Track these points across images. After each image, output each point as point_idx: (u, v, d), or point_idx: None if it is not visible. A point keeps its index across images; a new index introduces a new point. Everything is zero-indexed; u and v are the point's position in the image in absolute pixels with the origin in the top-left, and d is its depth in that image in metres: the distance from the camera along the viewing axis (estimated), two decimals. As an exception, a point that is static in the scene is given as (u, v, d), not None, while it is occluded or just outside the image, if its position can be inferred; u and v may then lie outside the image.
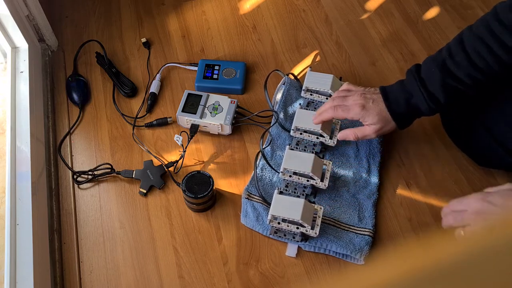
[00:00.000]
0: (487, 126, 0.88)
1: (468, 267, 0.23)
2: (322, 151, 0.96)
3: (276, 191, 0.87)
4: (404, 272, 0.22)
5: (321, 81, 0.99)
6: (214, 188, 0.90)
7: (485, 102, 0.89)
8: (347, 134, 0.90)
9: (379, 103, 0.85)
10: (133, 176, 0.96)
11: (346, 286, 0.24)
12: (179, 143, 0.99)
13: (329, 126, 0.95)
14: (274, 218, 0.85)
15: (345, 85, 0.92)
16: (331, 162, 0.92)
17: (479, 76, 0.79)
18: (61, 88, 1.12)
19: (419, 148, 0.99)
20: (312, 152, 0.94)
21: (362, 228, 0.88)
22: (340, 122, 0.97)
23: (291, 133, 0.96)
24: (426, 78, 0.82)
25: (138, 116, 1.06)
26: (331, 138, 0.94)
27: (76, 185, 0.98)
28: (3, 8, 1.00)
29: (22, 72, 1.07)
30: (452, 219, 0.71)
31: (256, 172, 0.94)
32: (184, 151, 0.98)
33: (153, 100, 1.08)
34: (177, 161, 0.97)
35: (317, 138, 0.95)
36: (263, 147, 0.98)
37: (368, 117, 0.85)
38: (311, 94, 1.01)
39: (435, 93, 0.81)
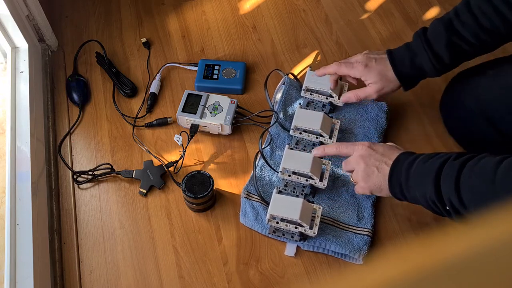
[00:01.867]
0: (489, 115, 0.88)
1: (468, 267, 0.23)
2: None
3: (275, 190, 0.87)
4: (404, 272, 0.22)
5: (321, 81, 0.99)
6: (214, 188, 0.90)
7: (485, 89, 0.89)
8: (349, 96, 0.93)
9: (381, 62, 0.88)
10: (133, 176, 0.96)
11: (346, 286, 0.24)
12: (179, 143, 0.99)
13: (329, 126, 0.95)
14: (273, 217, 0.85)
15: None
16: (330, 162, 0.92)
17: (484, 36, 0.81)
18: (61, 88, 1.12)
19: (418, 148, 0.99)
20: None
21: (361, 228, 0.88)
22: (339, 122, 0.97)
23: (291, 132, 0.96)
24: (431, 38, 0.84)
25: (138, 116, 1.06)
26: (330, 137, 0.94)
27: (76, 185, 0.98)
28: (3, 8, 1.00)
29: (22, 72, 1.07)
30: (346, 166, 0.83)
31: (255, 171, 0.94)
32: (184, 151, 0.98)
33: (153, 100, 1.08)
34: (177, 161, 0.97)
35: (317, 137, 0.95)
36: (263, 146, 0.98)
37: (370, 75, 0.87)
38: (311, 94, 1.01)
39: (440, 52, 0.83)
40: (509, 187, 0.62)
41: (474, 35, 0.81)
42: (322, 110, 1.00)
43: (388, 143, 0.83)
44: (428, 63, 0.84)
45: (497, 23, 0.79)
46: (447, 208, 0.68)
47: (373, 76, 0.88)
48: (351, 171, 0.83)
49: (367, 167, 0.78)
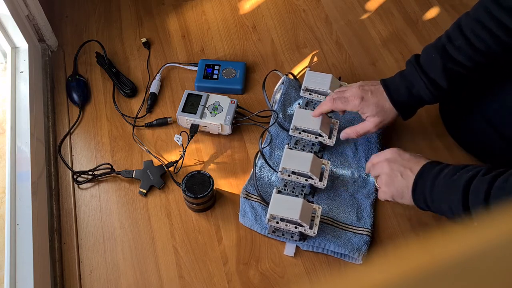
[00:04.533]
0: (488, 118, 0.88)
1: (468, 267, 0.23)
2: (321, 150, 0.96)
3: (274, 190, 0.87)
4: (404, 272, 0.22)
5: (320, 81, 1.00)
6: (214, 188, 0.90)
7: (485, 94, 0.89)
8: (349, 133, 0.91)
9: (377, 94, 0.86)
10: (133, 176, 0.96)
11: (346, 286, 0.24)
12: (179, 143, 0.99)
13: (328, 126, 0.96)
14: (273, 217, 0.85)
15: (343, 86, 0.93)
16: (329, 162, 0.92)
17: (480, 58, 0.80)
18: (61, 88, 1.12)
19: (418, 148, 0.99)
20: (311, 152, 0.94)
21: (360, 227, 0.88)
22: (339, 122, 0.97)
23: (290, 132, 0.96)
24: (426, 66, 0.83)
25: (138, 116, 1.06)
26: (329, 137, 0.94)
27: (76, 185, 0.98)
28: (3, 8, 1.00)
29: (22, 72, 1.07)
30: (372, 170, 0.83)
31: (255, 171, 0.94)
32: (184, 151, 0.98)
33: (153, 100, 1.08)
34: (177, 161, 0.97)
35: (316, 137, 0.95)
36: (263, 146, 0.98)
37: (367, 108, 0.86)
38: (310, 94, 1.01)
39: (437, 79, 0.82)
40: None
41: (470, 59, 0.80)
42: (322, 110, 1.00)
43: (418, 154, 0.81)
44: (426, 91, 0.83)
45: (491, 45, 0.78)
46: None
47: (371, 109, 0.85)
48: (376, 177, 0.82)
49: (391, 172, 0.78)
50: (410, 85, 0.84)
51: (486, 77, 0.89)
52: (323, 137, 0.94)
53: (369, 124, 0.87)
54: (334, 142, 0.94)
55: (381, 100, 0.85)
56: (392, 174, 0.78)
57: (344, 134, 0.92)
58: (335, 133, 0.95)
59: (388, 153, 0.80)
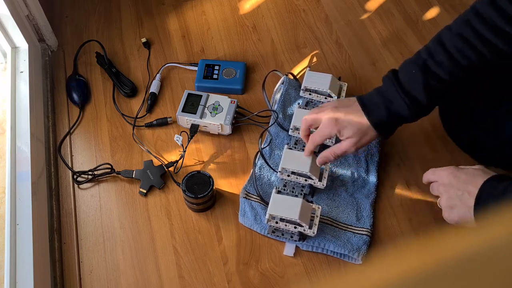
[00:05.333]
0: (488, 122, 0.88)
1: (468, 267, 0.23)
2: (321, 150, 0.96)
3: (274, 190, 0.87)
4: (404, 272, 0.22)
5: (320, 81, 1.00)
6: (214, 188, 0.90)
7: (485, 99, 0.89)
8: (326, 156, 0.86)
9: (352, 114, 0.81)
10: (133, 176, 0.96)
11: (345, 286, 0.24)
12: (179, 143, 0.99)
13: None
14: (272, 217, 0.85)
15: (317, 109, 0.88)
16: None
17: (462, 74, 0.77)
18: (61, 88, 1.12)
19: (418, 148, 0.99)
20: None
21: (360, 227, 0.88)
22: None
23: (290, 132, 0.96)
24: (406, 82, 0.79)
25: (138, 116, 1.06)
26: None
27: (76, 185, 0.98)
28: (3, 8, 1.00)
29: (22, 72, 1.07)
30: (431, 189, 0.80)
31: (255, 171, 0.94)
32: (184, 151, 0.98)
33: (153, 100, 1.08)
34: (177, 161, 0.97)
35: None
36: (262, 146, 0.98)
37: (344, 131, 0.81)
38: (310, 94, 1.01)
39: (418, 96, 0.78)
40: None
41: (452, 75, 0.76)
42: (322, 110, 1.00)
43: (475, 166, 0.77)
44: (405, 109, 0.78)
45: (475, 60, 0.75)
46: None
47: (347, 131, 0.81)
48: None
49: (449, 199, 0.75)
50: (389, 103, 0.80)
51: (486, 81, 0.88)
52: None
53: (345, 144, 0.82)
54: (333, 142, 0.94)
55: (357, 120, 0.81)
56: (450, 201, 0.75)
57: (321, 159, 0.87)
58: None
59: (444, 176, 0.76)
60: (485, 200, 0.70)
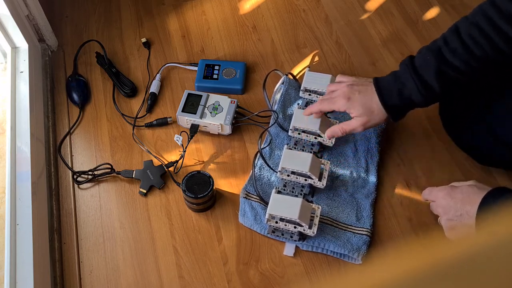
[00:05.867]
0: (489, 123, 0.88)
1: (468, 267, 0.23)
2: (320, 150, 0.96)
3: (274, 190, 0.87)
4: (404, 272, 0.22)
5: (319, 81, 1.00)
6: (214, 188, 0.90)
7: (487, 99, 0.89)
8: (335, 130, 0.89)
9: (366, 94, 0.83)
10: (133, 176, 0.96)
11: (345, 286, 0.24)
12: (179, 143, 0.99)
13: (327, 126, 0.95)
14: (272, 217, 0.85)
15: (338, 77, 0.92)
16: (329, 162, 0.92)
17: (475, 63, 0.77)
18: (61, 88, 1.12)
19: (418, 148, 0.99)
20: (310, 152, 0.94)
21: (360, 227, 0.88)
22: (338, 122, 0.97)
23: (289, 133, 0.96)
24: (420, 67, 0.80)
25: (138, 116, 1.06)
26: (329, 138, 0.94)
27: (76, 185, 0.98)
28: (3, 8, 1.00)
29: (22, 72, 1.07)
30: (430, 206, 0.82)
31: (254, 171, 0.94)
32: (184, 151, 0.98)
33: (153, 100, 1.08)
34: (177, 161, 0.97)
35: (315, 138, 0.95)
36: (262, 147, 0.98)
37: (354, 108, 0.84)
38: (309, 94, 1.01)
39: (429, 81, 0.79)
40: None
41: (464, 63, 0.77)
42: (322, 110, 1.00)
43: (469, 182, 0.79)
44: (417, 93, 0.80)
45: (488, 50, 0.76)
46: None
47: (357, 109, 0.83)
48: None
49: (449, 221, 0.76)
50: (402, 87, 0.82)
51: (487, 80, 0.88)
52: (322, 137, 0.94)
53: (355, 122, 0.85)
54: (333, 142, 0.94)
55: (368, 101, 0.83)
56: (450, 222, 0.76)
57: (330, 132, 0.90)
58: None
59: (440, 197, 0.78)
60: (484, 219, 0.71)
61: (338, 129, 0.89)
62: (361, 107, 0.83)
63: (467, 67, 0.78)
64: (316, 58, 1.15)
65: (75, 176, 0.98)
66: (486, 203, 0.72)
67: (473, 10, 0.79)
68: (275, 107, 1.03)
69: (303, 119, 0.95)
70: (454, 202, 0.76)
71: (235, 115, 1.01)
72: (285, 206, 0.84)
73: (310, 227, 0.84)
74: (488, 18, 0.75)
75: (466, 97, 0.91)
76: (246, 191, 0.93)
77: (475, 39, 0.76)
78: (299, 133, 0.95)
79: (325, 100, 0.88)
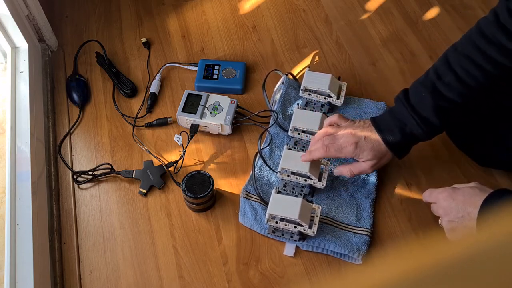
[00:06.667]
0: (490, 126, 0.88)
1: (468, 267, 0.23)
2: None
3: (274, 190, 0.87)
4: (404, 272, 0.22)
5: (319, 81, 1.00)
6: (214, 188, 0.90)
7: (488, 104, 0.89)
8: (342, 171, 0.89)
9: (371, 138, 0.83)
10: (133, 176, 0.96)
11: (346, 286, 0.24)
12: (179, 143, 0.99)
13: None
14: (272, 217, 0.85)
15: (334, 118, 0.90)
16: (329, 162, 0.92)
17: (470, 93, 0.78)
18: (61, 88, 1.12)
19: (419, 148, 0.99)
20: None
21: (360, 227, 0.88)
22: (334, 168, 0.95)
23: (289, 133, 0.96)
24: (417, 104, 0.80)
25: (138, 116, 1.06)
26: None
27: (76, 185, 0.98)
28: (3, 8, 1.00)
29: (22, 72, 1.07)
30: (431, 208, 0.81)
31: (254, 171, 0.94)
32: (184, 151, 0.98)
33: (153, 100, 1.08)
34: (177, 161, 0.97)
35: (317, 138, 0.95)
36: (262, 147, 0.98)
37: (362, 154, 0.83)
38: (309, 94, 1.01)
39: (429, 118, 0.80)
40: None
41: (460, 95, 0.78)
42: (321, 110, 1.00)
43: (470, 184, 0.78)
44: (419, 129, 0.81)
45: (482, 80, 0.76)
46: None
47: (367, 155, 0.83)
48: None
49: (450, 222, 0.76)
50: (403, 125, 0.82)
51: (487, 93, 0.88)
52: (323, 137, 0.94)
53: (365, 165, 0.85)
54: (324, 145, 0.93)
55: (376, 144, 0.83)
56: (451, 224, 0.76)
57: (337, 171, 0.90)
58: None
59: (441, 199, 0.78)
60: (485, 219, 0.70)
61: (346, 170, 0.88)
62: (371, 152, 0.83)
63: (463, 98, 0.78)
64: (316, 58, 1.15)
65: (75, 176, 0.98)
66: (488, 205, 0.71)
67: (460, 39, 0.79)
68: (275, 107, 1.03)
69: (303, 119, 0.95)
70: (456, 203, 0.75)
71: (235, 115, 1.01)
72: (285, 206, 0.84)
73: (310, 227, 0.84)
74: (476, 47, 0.75)
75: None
76: (246, 191, 0.93)
77: (467, 70, 0.76)
78: (299, 133, 0.95)
79: (331, 146, 0.85)
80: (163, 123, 1.04)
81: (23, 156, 0.95)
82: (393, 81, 1.10)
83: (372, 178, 0.93)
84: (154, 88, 1.09)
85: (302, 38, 1.18)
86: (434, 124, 0.80)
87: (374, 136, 0.83)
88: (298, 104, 1.02)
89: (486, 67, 0.75)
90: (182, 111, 1.01)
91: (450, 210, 0.76)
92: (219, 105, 1.01)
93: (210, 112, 1.00)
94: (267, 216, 0.84)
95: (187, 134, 1.00)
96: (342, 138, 0.84)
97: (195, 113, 1.00)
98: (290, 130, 0.95)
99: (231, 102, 1.01)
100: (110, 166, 0.97)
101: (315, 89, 1.00)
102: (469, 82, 0.77)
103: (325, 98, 1.00)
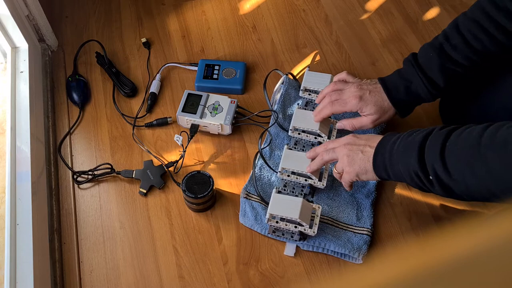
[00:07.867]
0: (490, 120, 0.88)
1: (468, 267, 0.23)
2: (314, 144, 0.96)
3: (274, 190, 0.87)
4: (404, 272, 0.22)
5: (319, 81, 0.99)
6: (214, 188, 0.90)
7: (485, 93, 0.89)
8: (344, 124, 0.92)
9: (376, 93, 0.87)
10: (133, 176, 0.96)
11: (346, 286, 0.24)
12: (179, 143, 0.99)
13: (327, 126, 0.95)
14: (272, 217, 0.85)
15: (343, 74, 0.94)
16: (329, 164, 0.92)
17: (476, 57, 0.81)
18: (61, 88, 1.12)
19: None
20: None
21: (360, 227, 0.88)
22: (337, 122, 0.97)
23: (289, 133, 0.96)
24: (424, 64, 0.84)
25: (138, 116, 1.06)
26: (329, 137, 0.94)
27: (76, 185, 0.98)
28: (3, 8, 1.00)
29: (22, 72, 1.07)
30: (326, 154, 0.83)
31: (255, 171, 0.94)
32: (184, 151, 0.98)
33: (153, 100, 1.08)
34: (177, 161, 0.97)
35: (315, 138, 0.95)
36: (262, 147, 0.98)
37: (366, 108, 0.87)
38: (309, 94, 1.01)
39: (434, 78, 0.83)
40: (494, 147, 0.61)
41: (466, 58, 0.81)
42: (322, 110, 1.00)
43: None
44: (424, 89, 0.84)
45: (488, 44, 0.79)
46: (430, 177, 0.67)
47: (370, 108, 0.86)
48: (334, 160, 0.84)
49: (352, 152, 0.79)
50: (408, 83, 0.85)
51: (486, 75, 0.89)
52: (322, 137, 0.94)
53: (366, 120, 0.88)
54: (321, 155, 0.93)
55: (379, 99, 0.87)
56: (352, 153, 0.79)
57: (340, 124, 0.93)
58: (334, 133, 0.95)
59: (345, 139, 0.82)
60: (384, 146, 0.76)
61: (348, 124, 0.91)
62: (374, 106, 0.86)
63: (469, 61, 0.81)
64: (316, 58, 1.15)
65: (75, 176, 0.98)
66: (384, 139, 0.76)
67: (471, 6, 0.82)
68: (275, 107, 1.03)
69: (303, 119, 0.95)
70: (359, 139, 0.80)
71: (235, 115, 1.01)
72: (286, 206, 0.84)
73: (310, 227, 0.84)
74: (485, 12, 0.79)
75: (466, 96, 0.92)
76: (247, 191, 0.93)
77: (475, 34, 0.80)
78: (299, 133, 0.95)
79: (336, 102, 0.89)
80: (163, 123, 1.04)
81: (23, 156, 0.95)
82: (393, 81, 1.09)
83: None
84: (154, 88, 1.09)
85: (302, 38, 1.18)
86: (439, 84, 0.83)
87: (379, 91, 0.87)
88: (298, 104, 1.02)
89: (493, 32, 0.78)
90: (182, 111, 1.01)
91: (353, 144, 0.80)
92: (219, 105, 1.01)
93: (210, 112, 1.00)
94: (267, 216, 0.84)
95: (187, 134, 1.00)
96: (347, 93, 0.88)
97: (195, 113, 1.00)
98: (290, 130, 0.95)
99: (231, 102, 1.01)
100: (110, 166, 0.97)
101: (315, 89, 1.00)
102: (476, 46, 0.80)
103: (323, 99, 1.00)
